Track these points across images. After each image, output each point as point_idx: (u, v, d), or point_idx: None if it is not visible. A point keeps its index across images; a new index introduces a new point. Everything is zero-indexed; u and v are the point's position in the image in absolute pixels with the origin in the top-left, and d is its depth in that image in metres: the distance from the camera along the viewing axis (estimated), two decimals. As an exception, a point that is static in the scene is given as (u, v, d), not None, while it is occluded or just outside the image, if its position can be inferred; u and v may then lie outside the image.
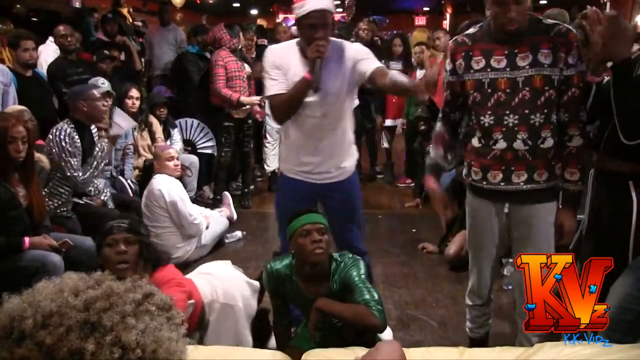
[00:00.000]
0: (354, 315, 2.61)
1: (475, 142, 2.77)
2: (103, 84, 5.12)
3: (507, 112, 2.63)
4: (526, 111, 2.61)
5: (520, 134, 2.63)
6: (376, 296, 2.66)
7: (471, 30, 2.77)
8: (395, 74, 3.00)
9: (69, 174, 4.23)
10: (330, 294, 2.77)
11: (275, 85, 3.06)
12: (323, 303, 2.67)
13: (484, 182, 2.78)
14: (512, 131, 2.64)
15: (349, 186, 3.32)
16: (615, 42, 2.55)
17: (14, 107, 4.53)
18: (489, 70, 2.66)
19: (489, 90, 2.66)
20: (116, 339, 0.98)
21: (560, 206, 2.79)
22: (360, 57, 3.07)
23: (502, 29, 2.58)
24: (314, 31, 2.92)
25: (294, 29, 5.22)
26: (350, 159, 3.30)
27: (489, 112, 2.67)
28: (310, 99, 3.02)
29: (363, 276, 2.74)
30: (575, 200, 2.75)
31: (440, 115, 3.02)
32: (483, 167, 2.76)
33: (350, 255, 2.85)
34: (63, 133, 4.25)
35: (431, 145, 2.97)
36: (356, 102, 6.58)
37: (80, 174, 4.27)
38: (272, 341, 3.29)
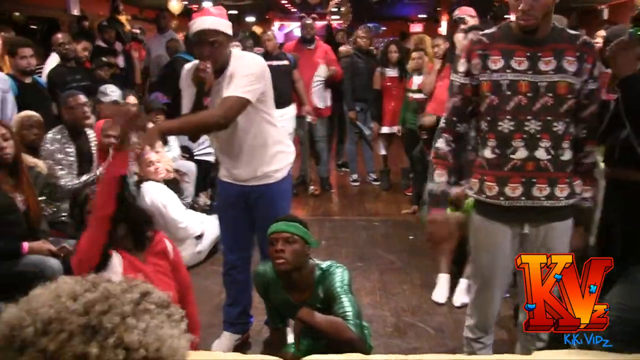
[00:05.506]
0: (331, 327, 2.62)
1: (487, 153, 2.54)
2: (113, 92, 5.10)
3: (529, 117, 2.44)
4: (549, 118, 2.43)
5: (543, 141, 2.44)
6: (356, 309, 2.67)
7: (489, 30, 2.62)
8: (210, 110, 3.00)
9: (53, 180, 4.20)
10: (315, 302, 2.78)
11: (186, 105, 3.11)
12: (304, 313, 2.68)
13: (502, 198, 2.52)
14: (534, 138, 2.44)
15: (273, 193, 3.32)
16: (623, 58, 2.60)
17: (26, 112, 4.55)
18: (508, 71, 2.46)
19: (508, 93, 2.45)
20: (119, 341, 0.97)
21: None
22: (233, 76, 3.04)
23: (519, 25, 2.44)
24: (199, 49, 3.00)
25: (280, 36, 5.21)
26: (269, 165, 3.28)
27: (509, 117, 2.45)
28: None
29: (346, 287, 2.74)
30: (588, 218, 2.63)
31: (443, 125, 2.74)
32: (500, 180, 2.52)
33: (337, 265, 2.85)
34: (52, 139, 4.24)
35: (432, 171, 2.72)
36: None
37: (63, 182, 4.21)
38: None
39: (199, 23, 2.99)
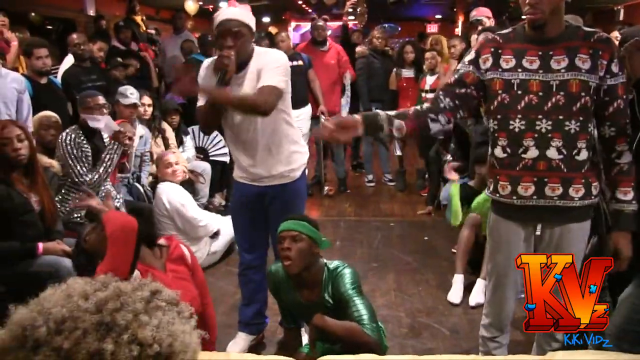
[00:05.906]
0: (347, 333, 2.61)
1: (499, 152, 2.55)
2: (132, 94, 5.08)
3: (540, 116, 2.43)
4: (560, 117, 2.41)
5: (554, 141, 2.43)
6: (370, 312, 2.66)
7: (504, 31, 2.62)
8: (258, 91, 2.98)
9: (76, 179, 4.19)
10: (325, 303, 2.78)
11: (202, 101, 3.10)
12: (318, 320, 2.67)
13: (514, 197, 2.53)
14: (545, 138, 2.43)
15: (289, 193, 3.32)
16: (638, 59, 2.57)
17: (46, 113, 4.57)
18: (519, 70, 2.46)
19: (519, 92, 2.45)
20: (133, 337, 0.99)
21: (614, 229, 2.56)
22: (264, 68, 3.04)
23: (527, 20, 2.43)
24: (222, 40, 2.98)
25: (296, 37, 5.20)
26: (286, 165, 3.28)
27: (520, 116, 2.45)
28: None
29: (355, 288, 2.73)
30: (631, 221, 2.51)
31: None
32: (512, 179, 2.52)
33: (344, 265, 2.84)
34: (68, 138, 4.24)
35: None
36: None
37: (88, 177, 4.21)
38: None
39: (224, 13, 3.00)
